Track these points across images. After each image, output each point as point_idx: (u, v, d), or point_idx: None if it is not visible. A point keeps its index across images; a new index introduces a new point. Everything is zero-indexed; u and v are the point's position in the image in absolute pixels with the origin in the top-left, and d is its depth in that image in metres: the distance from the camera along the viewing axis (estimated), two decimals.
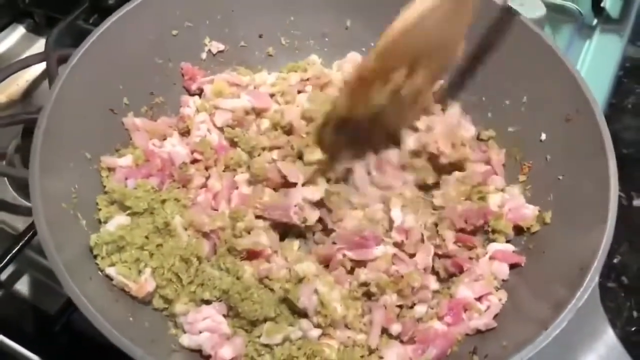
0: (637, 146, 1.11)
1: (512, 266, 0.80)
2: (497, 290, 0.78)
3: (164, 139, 0.90)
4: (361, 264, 0.79)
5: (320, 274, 0.77)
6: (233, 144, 0.91)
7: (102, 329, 0.62)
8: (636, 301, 0.95)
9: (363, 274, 0.77)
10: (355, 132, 0.83)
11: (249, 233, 0.80)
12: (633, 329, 0.92)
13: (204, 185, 0.87)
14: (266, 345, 0.74)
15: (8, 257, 0.86)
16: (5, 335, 0.83)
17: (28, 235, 0.87)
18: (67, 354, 0.83)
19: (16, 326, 0.85)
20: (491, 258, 0.80)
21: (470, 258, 0.81)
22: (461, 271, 0.80)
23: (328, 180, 0.84)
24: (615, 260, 0.98)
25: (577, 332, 0.79)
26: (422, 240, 0.81)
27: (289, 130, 0.89)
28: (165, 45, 0.92)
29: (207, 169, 0.89)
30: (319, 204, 0.82)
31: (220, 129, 0.91)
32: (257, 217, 0.82)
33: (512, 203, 0.83)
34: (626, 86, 1.20)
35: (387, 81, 0.76)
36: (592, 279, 0.65)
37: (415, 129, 0.86)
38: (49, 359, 0.82)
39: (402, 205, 0.82)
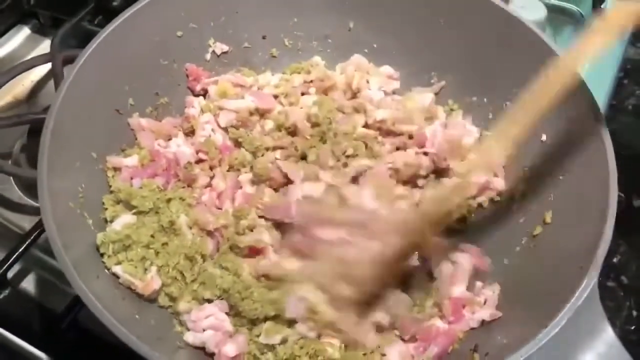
0: (637, 147, 1.11)
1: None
2: (489, 284, 0.80)
3: (169, 139, 0.90)
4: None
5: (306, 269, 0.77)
6: (237, 144, 0.91)
7: (110, 327, 0.62)
8: (635, 300, 0.95)
9: None
10: None
11: (251, 231, 0.81)
12: (632, 327, 0.93)
13: (209, 185, 0.88)
14: (268, 344, 0.74)
15: (14, 256, 0.87)
16: (12, 333, 0.84)
17: (34, 235, 0.88)
18: (74, 351, 0.84)
19: (23, 324, 0.86)
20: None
21: None
22: None
23: None
24: (614, 260, 0.98)
25: (576, 331, 0.80)
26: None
27: (293, 132, 0.90)
28: (170, 47, 0.93)
29: (211, 168, 0.89)
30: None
31: (225, 130, 0.92)
32: (260, 216, 0.83)
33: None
34: (626, 87, 1.21)
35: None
36: (591, 278, 0.66)
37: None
38: (56, 356, 0.82)
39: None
